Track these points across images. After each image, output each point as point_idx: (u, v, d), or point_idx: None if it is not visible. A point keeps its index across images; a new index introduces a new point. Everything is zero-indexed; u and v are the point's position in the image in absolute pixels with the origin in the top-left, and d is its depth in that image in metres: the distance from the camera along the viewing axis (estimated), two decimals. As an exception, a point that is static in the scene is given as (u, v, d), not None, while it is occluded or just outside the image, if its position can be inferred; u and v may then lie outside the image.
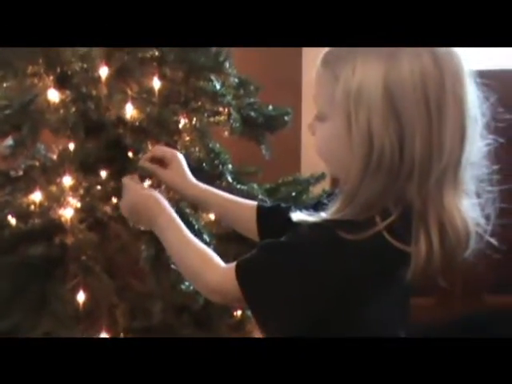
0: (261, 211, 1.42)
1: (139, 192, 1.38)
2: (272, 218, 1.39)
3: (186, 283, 1.64)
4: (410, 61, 1.02)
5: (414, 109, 1.02)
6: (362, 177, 1.05)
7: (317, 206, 1.13)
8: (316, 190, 1.99)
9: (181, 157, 1.45)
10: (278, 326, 1.16)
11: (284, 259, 1.11)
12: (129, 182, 1.41)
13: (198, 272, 1.24)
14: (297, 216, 1.13)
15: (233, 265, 1.16)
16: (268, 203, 1.46)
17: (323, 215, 1.10)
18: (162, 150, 1.48)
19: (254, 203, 1.44)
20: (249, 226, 1.42)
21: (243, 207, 1.46)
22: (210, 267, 1.22)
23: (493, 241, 1.13)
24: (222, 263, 1.22)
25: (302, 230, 1.11)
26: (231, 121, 1.71)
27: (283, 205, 1.41)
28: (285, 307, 1.12)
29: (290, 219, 1.20)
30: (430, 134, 1.02)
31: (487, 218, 1.12)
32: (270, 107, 1.84)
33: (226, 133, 1.73)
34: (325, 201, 1.12)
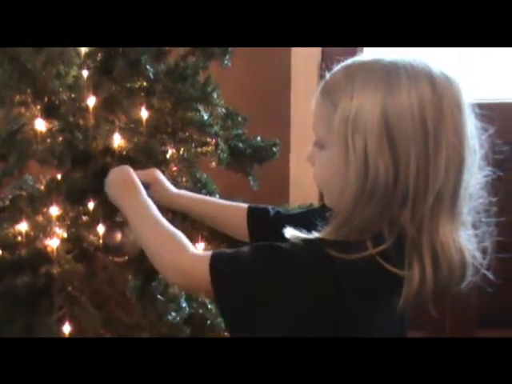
0: (251, 212, 1.44)
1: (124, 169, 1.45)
2: (262, 219, 1.40)
3: (173, 314, 1.63)
4: (408, 88, 1.02)
5: (410, 135, 1.02)
6: (355, 201, 1.05)
7: (307, 226, 1.13)
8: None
9: (158, 176, 1.52)
10: (247, 329, 1.13)
11: (269, 262, 1.11)
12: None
13: (172, 249, 1.22)
14: (289, 232, 1.12)
15: (209, 252, 1.16)
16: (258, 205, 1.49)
17: (316, 234, 1.09)
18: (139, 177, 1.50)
19: (244, 205, 1.46)
20: (239, 227, 1.44)
21: (233, 208, 1.49)
22: (186, 247, 1.21)
23: (489, 274, 1.12)
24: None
25: (295, 241, 1.10)
26: (219, 151, 1.71)
27: (272, 207, 1.44)
28: (259, 311, 1.10)
29: (280, 221, 1.21)
30: (425, 160, 1.02)
31: (484, 250, 1.12)
32: (258, 138, 1.84)
33: (214, 163, 1.74)
34: (318, 223, 1.11)
